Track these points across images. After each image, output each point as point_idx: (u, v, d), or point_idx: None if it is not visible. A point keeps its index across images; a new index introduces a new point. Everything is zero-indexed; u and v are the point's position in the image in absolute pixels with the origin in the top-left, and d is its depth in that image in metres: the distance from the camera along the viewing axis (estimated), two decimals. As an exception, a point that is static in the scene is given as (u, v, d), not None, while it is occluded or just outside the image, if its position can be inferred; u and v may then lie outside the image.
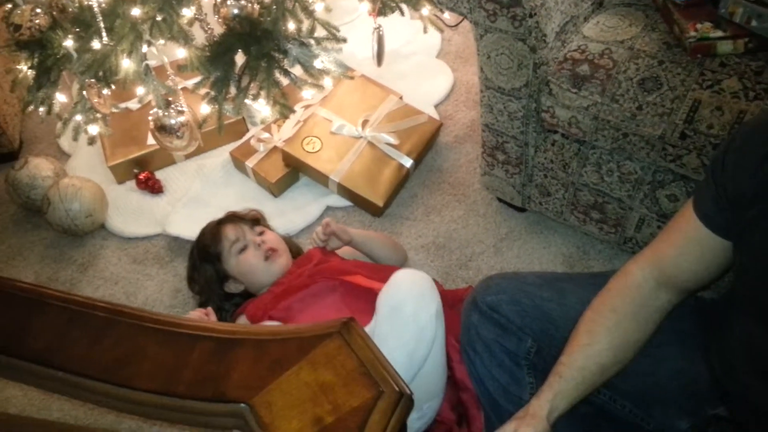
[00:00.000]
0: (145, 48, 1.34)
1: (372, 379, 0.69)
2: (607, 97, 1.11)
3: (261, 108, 1.49)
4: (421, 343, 1.02)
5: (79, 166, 1.84)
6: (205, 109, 1.49)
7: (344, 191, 1.61)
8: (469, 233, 1.56)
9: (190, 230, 1.52)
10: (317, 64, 1.44)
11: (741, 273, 0.81)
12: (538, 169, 1.36)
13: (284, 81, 1.44)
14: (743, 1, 1.01)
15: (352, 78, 1.59)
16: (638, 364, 0.91)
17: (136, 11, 1.29)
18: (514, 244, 1.52)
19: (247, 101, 1.46)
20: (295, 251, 1.47)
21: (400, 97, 1.76)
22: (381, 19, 1.70)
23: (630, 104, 1.09)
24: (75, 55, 1.37)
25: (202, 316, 1.30)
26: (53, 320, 0.77)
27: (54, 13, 1.46)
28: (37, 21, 1.46)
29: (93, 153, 1.83)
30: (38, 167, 1.71)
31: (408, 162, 1.63)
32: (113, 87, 1.43)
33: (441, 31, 1.91)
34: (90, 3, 1.31)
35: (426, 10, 1.73)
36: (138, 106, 1.81)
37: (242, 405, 0.68)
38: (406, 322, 1.02)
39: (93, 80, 1.39)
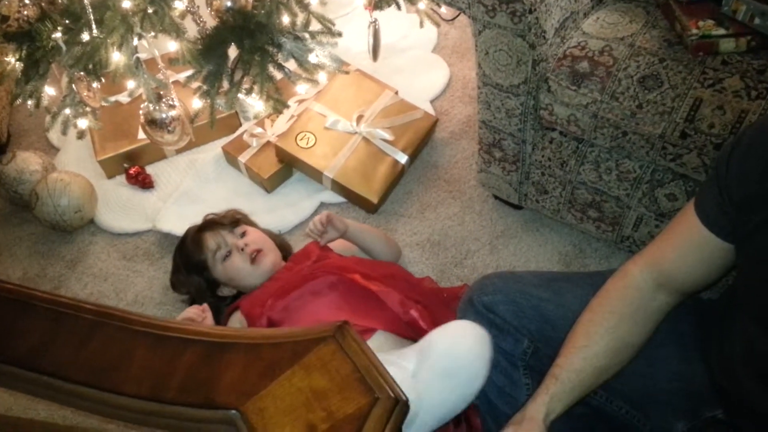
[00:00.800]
0: (135, 41, 1.31)
1: (367, 385, 0.67)
2: (606, 95, 1.09)
3: (254, 103, 1.46)
4: (462, 406, 0.97)
5: (68, 160, 1.81)
6: (197, 103, 1.46)
7: (338, 187, 1.59)
8: (464, 230, 1.54)
9: (181, 227, 1.49)
10: (312, 58, 1.41)
11: (743, 276, 0.80)
12: (536, 167, 1.34)
13: (278, 75, 1.42)
14: (746, -2, 1.00)
15: (347, 73, 1.57)
16: (635, 365, 0.90)
17: (126, 3, 1.26)
18: (510, 242, 1.50)
19: (240, 96, 1.44)
20: (284, 247, 1.45)
21: (396, 92, 1.74)
22: (377, 13, 1.67)
23: (630, 102, 1.07)
24: (64, 47, 1.33)
25: (199, 313, 1.28)
26: (38, 322, 0.75)
27: (43, 4, 1.43)
28: (25, 12, 1.42)
29: (82, 147, 1.79)
30: (26, 161, 1.67)
31: (403, 158, 1.61)
32: (103, 80, 1.40)
33: (437, 25, 1.88)
34: (79, -6, 1.28)
35: (422, 4, 1.71)
36: (128, 99, 1.78)
37: (233, 411, 0.66)
38: (458, 386, 0.95)
39: (82, 73, 1.36)
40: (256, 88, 1.41)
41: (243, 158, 1.66)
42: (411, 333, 1.16)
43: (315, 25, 1.44)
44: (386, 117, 1.66)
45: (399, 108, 1.69)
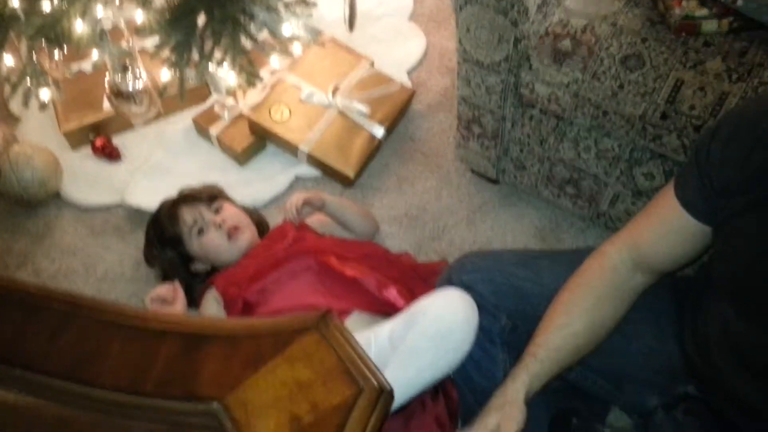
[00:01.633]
0: (99, 10, 1.24)
1: (351, 376, 0.67)
2: (588, 74, 1.08)
3: (225, 75, 1.41)
4: (446, 371, 1.00)
5: (30, 131, 1.73)
6: (165, 74, 1.40)
7: (314, 161, 1.56)
8: (441, 205, 1.53)
9: (152, 201, 1.45)
10: (286, 29, 1.37)
11: (719, 260, 0.81)
12: (514, 144, 1.33)
13: (250, 46, 1.36)
14: (729, -22, 0.99)
15: (322, 44, 1.52)
16: (611, 341, 0.92)
17: (89, -32, 1.20)
18: (488, 217, 1.50)
19: (211, 68, 1.38)
20: (260, 223, 1.42)
21: (372, 63, 1.70)
22: (352, -20, 1.63)
23: (611, 82, 1.07)
24: (23, 16, 1.26)
25: (170, 291, 1.25)
26: (7, 313, 0.72)
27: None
28: (-21, -23, 1.34)
29: (45, 117, 1.72)
30: (-15, 133, 1.60)
31: (380, 131, 1.58)
32: (66, 50, 1.33)
33: (414, -8, 1.84)
34: (38, -43, 1.20)
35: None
36: (92, 68, 1.70)
37: (215, 404, 0.65)
38: (447, 351, 0.98)
39: (44, 43, 1.29)
40: (227, 59, 1.36)
41: (214, 131, 1.61)
42: (388, 311, 1.16)
43: (289, -6, 1.39)
44: (362, 89, 1.63)
45: (375, 80, 1.65)
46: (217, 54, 1.35)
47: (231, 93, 1.59)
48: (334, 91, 1.61)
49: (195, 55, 1.35)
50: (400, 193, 1.56)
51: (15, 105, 1.80)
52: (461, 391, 1.07)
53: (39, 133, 1.72)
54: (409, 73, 1.79)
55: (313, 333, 0.69)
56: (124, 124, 1.70)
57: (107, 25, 1.30)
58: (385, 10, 1.93)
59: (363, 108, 1.59)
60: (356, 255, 1.24)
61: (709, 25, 1.01)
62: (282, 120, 1.56)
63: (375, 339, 1.01)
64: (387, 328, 1.02)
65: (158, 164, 1.63)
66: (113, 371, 0.68)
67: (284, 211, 1.33)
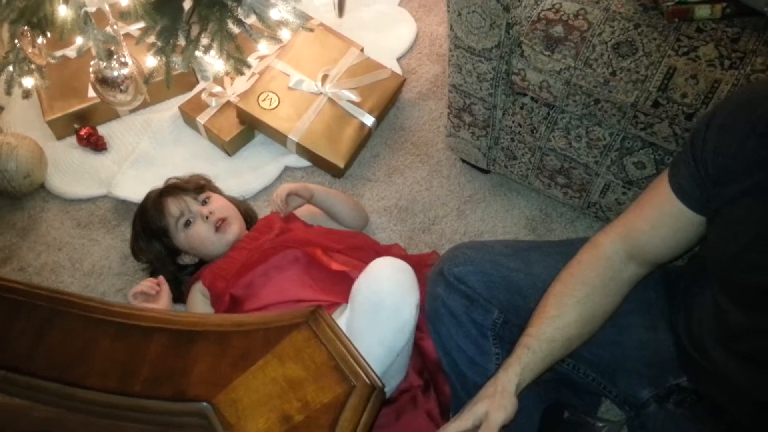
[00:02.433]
0: (82, -6, 1.21)
1: (343, 373, 0.66)
2: (580, 62, 1.07)
3: (213, 61, 1.39)
4: (400, 338, 0.98)
5: (13, 120, 1.70)
6: (151, 61, 1.37)
7: (303, 151, 1.54)
8: (432, 195, 1.52)
9: (138, 192, 1.43)
10: (274, 14, 1.34)
11: (713, 248, 0.81)
12: (505, 133, 1.32)
13: (237, 31, 1.34)
14: (723, -37, 0.98)
15: (311, 30, 1.49)
16: (603, 334, 0.91)
17: (70, -48, 1.16)
18: (478, 207, 1.50)
19: (198, 54, 1.36)
20: (248, 215, 1.41)
21: (362, 50, 1.68)
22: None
23: (603, 69, 1.05)
24: (4, 0, 1.23)
25: (154, 286, 1.23)
26: (-9, 312, 0.71)
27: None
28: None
29: (29, 106, 1.68)
30: (-33, 122, 1.57)
31: (370, 120, 1.56)
32: (49, 35, 1.30)
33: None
34: (16, -59, 1.17)
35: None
36: (76, 54, 1.67)
37: (204, 404, 0.64)
38: (387, 319, 0.97)
39: (26, 28, 1.26)
40: (214, 45, 1.33)
41: (202, 119, 1.59)
42: None
43: (277, -21, 1.36)
44: (352, 77, 1.60)
45: (365, 67, 1.63)
46: (204, 40, 1.33)
47: (218, 80, 1.56)
48: (324, 79, 1.58)
49: (181, 41, 1.32)
50: (391, 184, 1.55)
51: (-3, 93, 1.76)
52: (453, 385, 1.07)
53: (22, 121, 1.69)
54: (399, 60, 1.76)
55: (304, 329, 0.68)
56: (109, 113, 1.67)
57: (91, 9, 1.26)
58: (374, -5, 1.91)
59: (353, 96, 1.57)
60: (345, 246, 1.22)
61: (702, 11, 1.00)
62: (270, 108, 1.54)
63: None
64: (344, 319, 1.01)
65: (145, 154, 1.61)
66: (101, 371, 0.67)
67: (271, 203, 1.31)
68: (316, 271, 1.16)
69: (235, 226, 1.29)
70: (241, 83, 1.61)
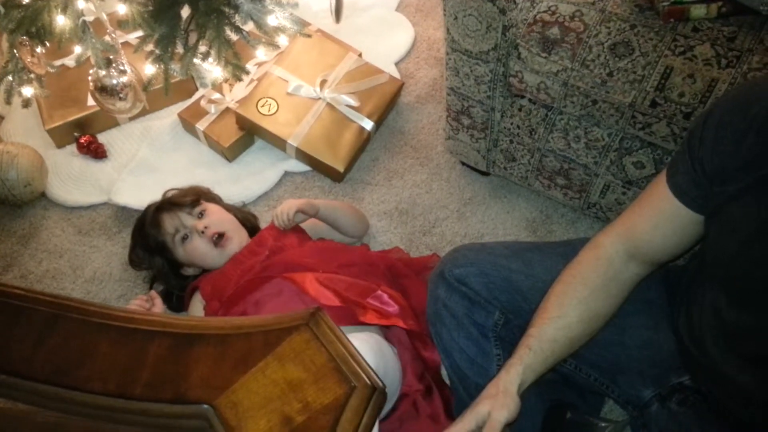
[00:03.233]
0: (81, 2, 1.22)
1: (343, 374, 0.66)
2: (577, 63, 1.07)
3: (211, 68, 1.39)
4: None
5: (14, 129, 1.71)
6: (150, 68, 1.38)
7: (303, 156, 1.55)
8: (432, 198, 1.52)
9: (139, 199, 1.44)
10: (271, 20, 1.35)
11: (712, 247, 0.81)
12: (504, 135, 1.32)
13: (235, 38, 1.34)
14: (718, -37, 0.98)
15: (309, 36, 1.50)
16: (604, 334, 0.91)
17: (68, -39, 1.17)
18: (478, 209, 1.50)
19: (196, 61, 1.36)
20: (249, 221, 1.40)
21: (360, 55, 1.69)
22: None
23: (600, 70, 1.06)
24: (2, 10, 1.23)
25: (143, 303, 1.24)
26: (-9, 317, 0.71)
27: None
28: (-45, -30, 1.30)
29: (29, 115, 1.69)
30: (-33, 132, 1.57)
31: (369, 125, 1.57)
32: (48, 45, 1.31)
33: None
34: (15, -49, 1.18)
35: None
36: (75, 63, 1.68)
37: (205, 406, 0.64)
38: None
39: (25, 38, 1.26)
40: (212, 52, 1.34)
41: (201, 126, 1.59)
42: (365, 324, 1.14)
43: (274, -15, 1.37)
44: (350, 81, 1.61)
45: (363, 72, 1.63)
46: (202, 47, 1.33)
47: (217, 86, 1.57)
48: (322, 84, 1.59)
49: (179, 48, 1.33)
50: (391, 187, 1.55)
51: (-3, 102, 1.77)
52: (455, 386, 1.07)
53: (22, 131, 1.70)
54: (397, 64, 1.77)
55: (304, 331, 0.68)
56: (109, 121, 1.68)
57: (89, 18, 1.27)
58: (371, 1, 1.91)
59: (352, 101, 1.57)
60: (338, 265, 1.20)
61: (698, 11, 1.01)
62: (270, 113, 1.54)
63: None
64: None
65: (144, 161, 1.61)
66: (101, 375, 0.67)
67: (275, 217, 1.30)
68: (306, 295, 1.12)
69: (236, 241, 1.28)
70: (240, 89, 1.62)
